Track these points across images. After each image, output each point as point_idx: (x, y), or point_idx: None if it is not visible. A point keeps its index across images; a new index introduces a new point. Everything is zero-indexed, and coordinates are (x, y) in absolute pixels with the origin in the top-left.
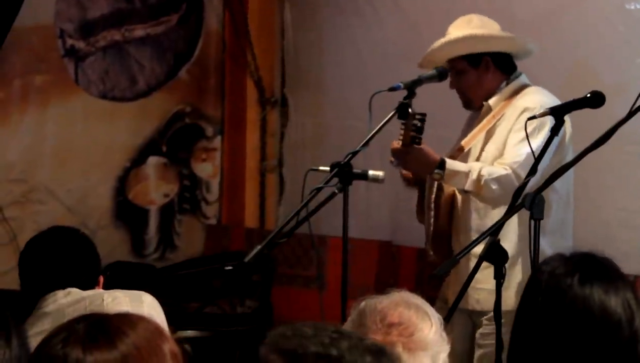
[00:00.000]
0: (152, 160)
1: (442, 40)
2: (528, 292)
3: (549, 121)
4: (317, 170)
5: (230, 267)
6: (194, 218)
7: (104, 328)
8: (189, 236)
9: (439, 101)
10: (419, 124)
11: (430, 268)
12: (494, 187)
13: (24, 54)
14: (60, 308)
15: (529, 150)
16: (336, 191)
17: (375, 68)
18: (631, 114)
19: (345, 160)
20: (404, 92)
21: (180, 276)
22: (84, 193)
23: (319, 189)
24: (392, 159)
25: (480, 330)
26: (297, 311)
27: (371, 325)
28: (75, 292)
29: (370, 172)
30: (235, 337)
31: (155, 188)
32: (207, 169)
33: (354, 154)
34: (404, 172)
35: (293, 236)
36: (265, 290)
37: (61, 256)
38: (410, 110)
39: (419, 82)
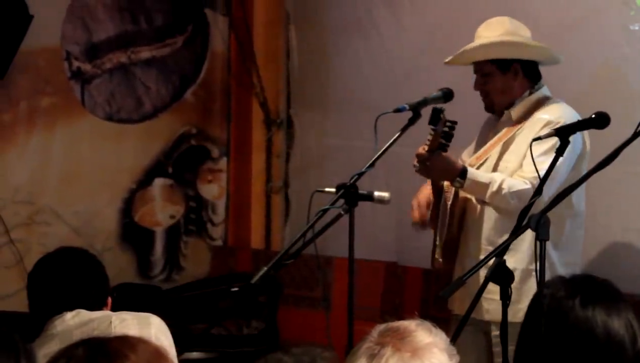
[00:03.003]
0: (158, 181)
1: (477, 42)
2: (530, 315)
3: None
4: (323, 191)
5: (236, 288)
6: (200, 239)
7: (104, 351)
8: (195, 257)
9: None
10: (448, 131)
11: (436, 289)
12: (512, 201)
13: (30, 76)
14: (68, 330)
15: (548, 164)
16: (342, 212)
17: (380, 89)
18: (636, 135)
19: (351, 181)
20: (409, 113)
21: (187, 297)
22: (90, 215)
23: (325, 211)
24: (416, 163)
25: (495, 340)
26: (304, 332)
27: (372, 335)
28: (83, 314)
29: (376, 193)
30: (241, 358)
31: (161, 209)
32: (213, 190)
33: (360, 175)
34: (414, 217)
35: (299, 257)
36: (271, 311)
37: (70, 277)
38: (442, 116)
39: (424, 103)
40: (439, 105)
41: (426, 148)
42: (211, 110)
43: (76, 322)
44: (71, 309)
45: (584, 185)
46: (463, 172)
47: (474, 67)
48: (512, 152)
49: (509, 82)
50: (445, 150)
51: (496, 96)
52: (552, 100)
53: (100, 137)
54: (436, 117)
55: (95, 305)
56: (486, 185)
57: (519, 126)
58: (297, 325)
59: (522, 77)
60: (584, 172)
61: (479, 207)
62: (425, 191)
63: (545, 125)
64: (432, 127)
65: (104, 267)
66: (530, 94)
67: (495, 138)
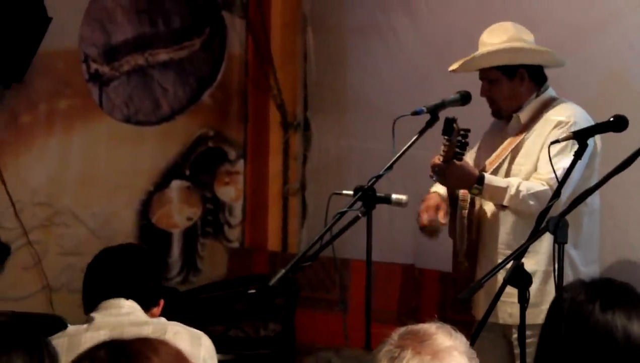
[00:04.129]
0: (176, 183)
1: (483, 50)
2: (550, 319)
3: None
4: (341, 194)
5: (253, 291)
6: (217, 241)
7: (126, 353)
8: (212, 259)
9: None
10: (462, 140)
11: (453, 291)
12: (531, 202)
13: (48, 79)
14: (120, 325)
15: (565, 165)
16: (360, 215)
17: (398, 91)
18: None
19: (369, 184)
20: (427, 116)
21: (204, 299)
22: (108, 217)
23: (342, 213)
24: (432, 174)
25: (516, 343)
26: (321, 334)
27: (392, 337)
28: (139, 314)
29: (394, 196)
30: (258, 360)
31: (178, 211)
32: (230, 192)
33: (378, 178)
34: (422, 220)
35: (316, 259)
36: (288, 314)
37: (129, 266)
38: (455, 125)
39: (442, 105)
40: (450, 115)
41: (441, 158)
42: (228, 112)
43: (131, 319)
44: (127, 297)
45: (596, 182)
46: (480, 179)
47: (479, 74)
48: (525, 155)
49: (515, 88)
50: (461, 159)
51: (503, 102)
52: (559, 100)
53: (118, 139)
54: (449, 127)
55: (149, 300)
56: (504, 189)
57: (529, 129)
58: (314, 327)
59: (528, 81)
60: (597, 169)
61: (494, 212)
62: (432, 198)
63: (556, 126)
64: (446, 137)
65: (161, 268)
66: (537, 96)
67: (506, 142)
